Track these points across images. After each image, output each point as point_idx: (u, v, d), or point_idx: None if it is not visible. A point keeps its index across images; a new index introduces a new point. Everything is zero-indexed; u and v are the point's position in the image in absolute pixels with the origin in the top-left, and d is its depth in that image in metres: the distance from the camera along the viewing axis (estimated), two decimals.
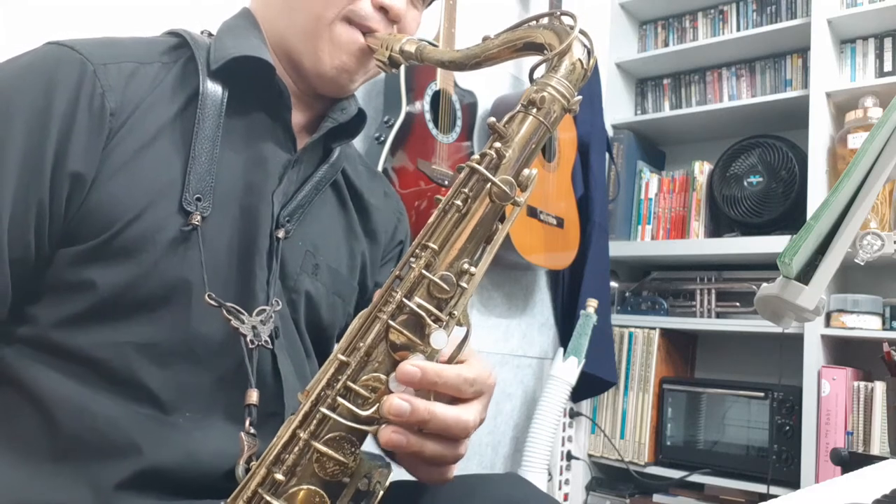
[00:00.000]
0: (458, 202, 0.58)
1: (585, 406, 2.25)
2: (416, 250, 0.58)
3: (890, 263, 1.83)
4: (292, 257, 0.74)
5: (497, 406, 2.02)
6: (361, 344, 0.56)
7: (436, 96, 1.66)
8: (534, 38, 0.63)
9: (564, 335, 2.17)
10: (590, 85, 2.19)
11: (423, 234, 0.58)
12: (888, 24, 2.06)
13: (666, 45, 2.56)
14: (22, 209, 0.61)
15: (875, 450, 1.77)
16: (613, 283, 2.35)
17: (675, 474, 2.08)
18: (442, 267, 0.57)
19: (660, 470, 2.13)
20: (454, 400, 0.58)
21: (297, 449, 0.54)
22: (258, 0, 0.79)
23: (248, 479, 0.55)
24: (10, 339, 0.64)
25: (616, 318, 2.29)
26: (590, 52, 0.62)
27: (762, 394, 2.00)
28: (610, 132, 2.41)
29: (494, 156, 0.58)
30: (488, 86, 1.92)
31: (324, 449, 0.53)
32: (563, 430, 2.12)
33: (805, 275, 0.64)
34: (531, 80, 0.62)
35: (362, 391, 0.55)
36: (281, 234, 0.72)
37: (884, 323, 1.88)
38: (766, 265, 2.09)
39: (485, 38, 0.66)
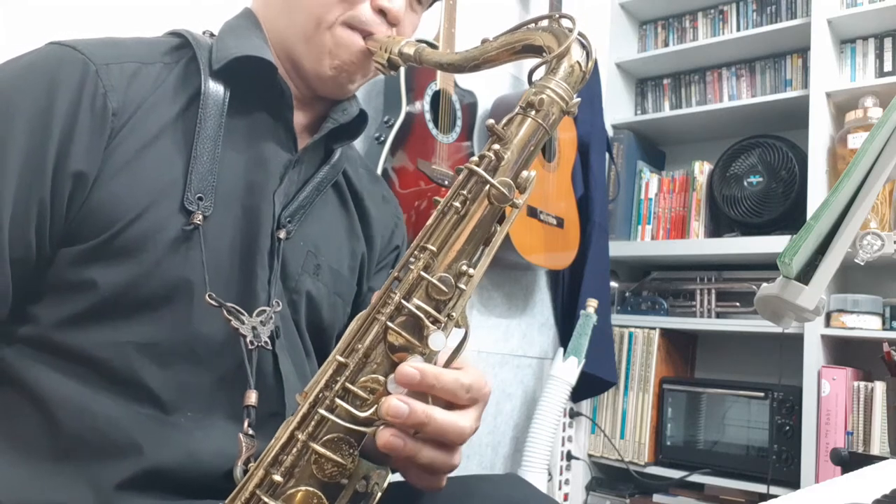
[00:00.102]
0: (457, 204, 0.58)
1: (585, 406, 2.25)
2: (415, 252, 0.58)
3: (890, 263, 1.83)
4: (294, 257, 0.74)
5: (497, 406, 2.02)
6: (360, 345, 0.56)
7: (436, 96, 1.67)
8: (532, 40, 0.63)
9: (564, 335, 2.17)
10: (590, 85, 2.19)
11: (422, 235, 0.58)
12: (888, 24, 2.06)
13: (666, 45, 2.56)
14: (23, 209, 0.62)
15: (875, 450, 1.77)
16: (613, 283, 2.35)
17: (675, 474, 2.08)
18: (440, 268, 0.57)
19: (660, 470, 2.13)
20: (450, 405, 0.58)
21: (295, 450, 0.54)
22: (260, 1, 0.80)
23: (246, 480, 0.55)
24: (11, 338, 0.64)
25: (616, 318, 2.29)
26: (588, 55, 0.62)
27: (762, 394, 2.00)
28: (610, 132, 2.41)
29: (493, 158, 0.58)
30: (488, 86, 1.92)
31: (322, 450, 0.54)
32: (563, 430, 2.12)
33: (805, 275, 0.64)
34: (530, 82, 0.62)
35: (360, 392, 0.55)
36: (282, 234, 0.72)
37: (884, 323, 1.88)
38: (766, 265, 2.09)
39: (483, 41, 0.66)
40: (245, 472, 0.57)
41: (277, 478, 0.53)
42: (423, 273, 0.56)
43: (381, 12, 0.74)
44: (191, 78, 0.71)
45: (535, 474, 1.82)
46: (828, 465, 1.76)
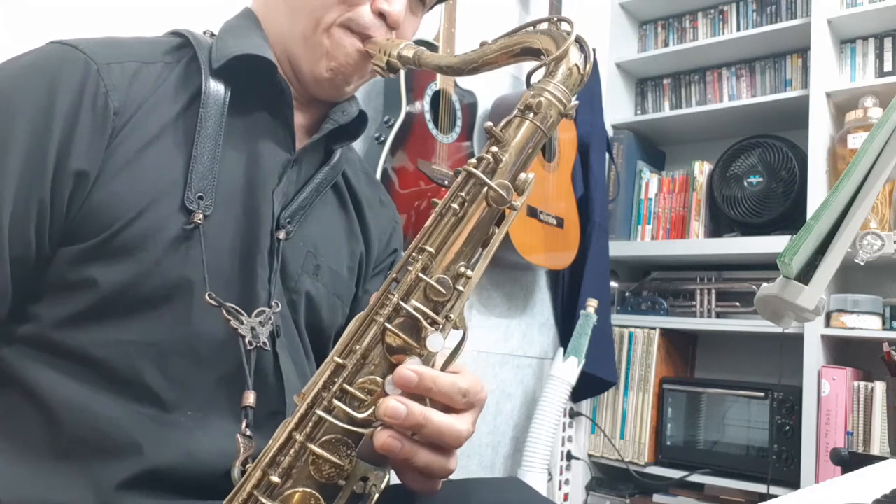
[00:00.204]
0: (455, 206, 0.58)
1: (585, 406, 2.25)
2: (413, 253, 0.58)
3: (890, 263, 1.83)
4: (293, 257, 0.74)
5: (497, 406, 2.02)
6: (358, 346, 0.56)
7: (436, 96, 1.67)
8: (531, 43, 0.63)
9: (564, 335, 2.17)
10: (590, 85, 2.19)
11: (420, 237, 0.58)
12: (888, 24, 2.06)
13: (666, 45, 2.56)
14: (23, 208, 0.62)
15: (875, 450, 1.77)
16: (613, 283, 2.35)
17: (675, 474, 2.09)
18: (439, 270, 0.57)
19: (660, 470, 2.13)
20: (446, 409, 0.58)
21: (292, 451, 0.54)
22: (260, 1, 0.80)
23: (244, 481, 0.55)
24: (11, 338, 0.64)
25: (616, 318, 2.29)
26: (587, 58, 0.63)
27: (762, 394, 2.00)
28: (610, 132, 2.42)
29: (491, 160, 0.59)
30: (488, 86, 1.92)
31: (319, 451, 0.54)
32: (563, 430, 2.12)
33: (805, 275, 0.64)
34: (528, 84, 0.62)
35: (358, 394, 0.55)
36: (281, 235, 0.72)
37: (884, 323, 1.88)
38: (766, 265, 2.09)
39: (482, 44, 0.66)
40: (243, 472, 0.57)
41: (275, 479, 0.53)
42: (421, 275, 0.56)
43: (381, 15, 0.74)
44: (191, 77, 0.71)
45: (535, 474, 1.82)
46: (828, 465, 1.76)
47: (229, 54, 0.71)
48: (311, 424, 0.54)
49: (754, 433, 2.00)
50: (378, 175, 1.51)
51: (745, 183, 2.18)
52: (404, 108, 1.59)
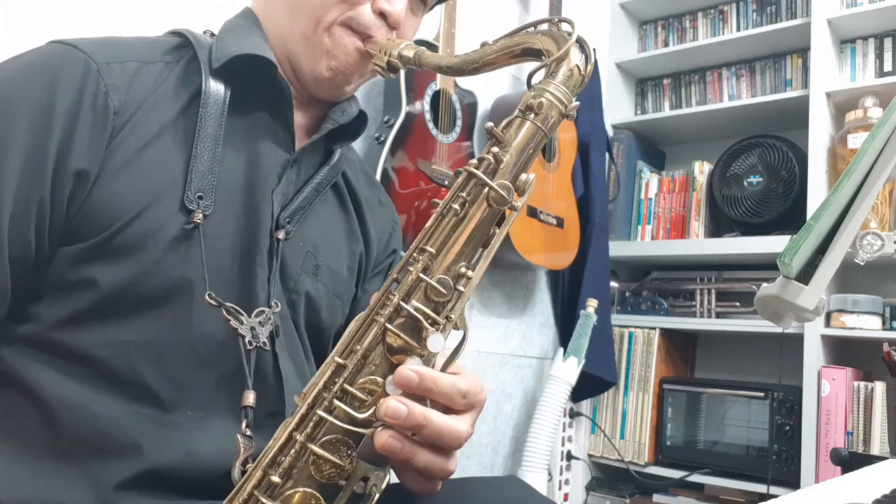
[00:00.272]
0: (456, 206, 0.58)
1: (585, 406, 2.25)
2: (414, 254, 0.58)
3: (890, 263, 1.83)
4: (293, 257, 0.74)
5: (497, 406, 2.02)
6: (358, 347, 0.56)
7: (436, 96, 1.67)
8: (532, 44, 0.63)
9: (564, 335, 2.17)
10: (590, 85, 2.19)
11: (421, 237, 0.58)
12: (888, 24, 2.06)
13: (666, 45, 2.56)
14: (23, 208, 0.62)
15: (875, 450, 1.77)
16: (613, 283, 2.35)
17: (675, 474, 2.09)
18: (439, 270, 0.57)
19: (660, 470, 2.13)
20: (446, 410, 0.58)
21: (293, 451, 0.54)
22: (260, 1, 0.80)
23: (245, 481, 0.55)
24: (11, 338, 0.64)
25: (616, 318, 2.29)
26: (587, 59, 0.63)
27: (762, 394, 2.00)
28: (610, 132, 2.42)
29: (492, 160, 0.59)
30: (488, 86, 1.92)
31: (320, 451, 0.53)
32: (563, 430, 2.12)
33: (805, 275, 0.64)
34: (529, 85, 0.62)
35: (359, 394, 0.55)
36: (281, 235, 0.72)
37: (884, 323, 1.88)
38: (766, 265, 2.09)
39: (483, 44, 0.66)
40: (243, 472, 0.57)
41: (275, 479, 0.53)
42: (421, 275, 0.56)
43: (382, 15, 0.74)
44: (191, 77, 0.71)
45: (535, 474, 1.82)
46: (828, 465, 1.76)
47: (229, 54, 0.71)
48: (311, 424, 0.54)
49: (754, 433, 2.00)
50: (378, 175, 1.51)
51: (745, 183, 2.18)
52: (404, 108, 1.59)
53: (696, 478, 2.05)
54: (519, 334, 2.10)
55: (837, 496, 0.69)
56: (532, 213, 1.87)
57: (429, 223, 0.59)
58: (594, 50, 0.64)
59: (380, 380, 0.55)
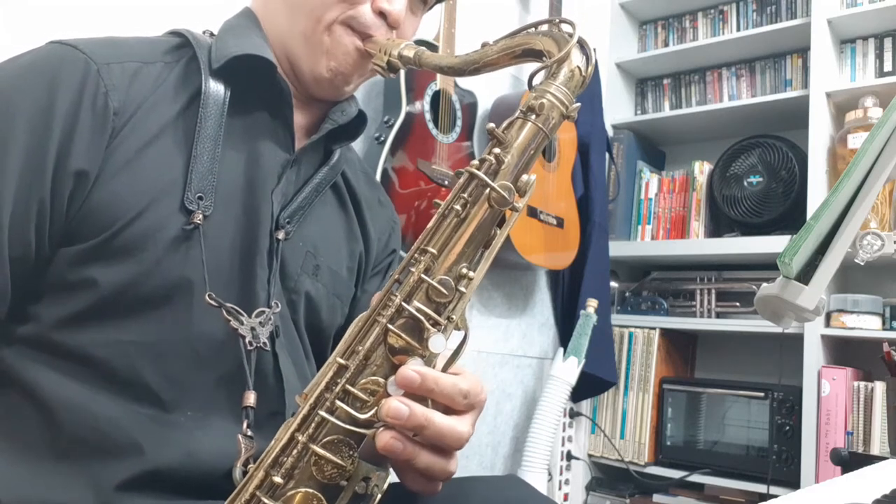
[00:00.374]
0: (458, 207, 0.58)
1: (585, 406, 2.25)
2: (416, 254, 0.58)
3: (890, 263, 1.83)
4: (293, 258, 0.74)
5: (497, 406, 2.02)
6: (360, 347, 0.56)
7: (436, 96, 1.67)
8: (533, 45, 0.63)
9: (564, 335, 2.17)
10: (590, 85, 2.18)
11: (423, 238, 0.58)
12: (888, 24, 2.06)
13: (666, 45, 2.56)
14: (23, 208, 0.62)
15: (875, 450, 1.77)
16: (613, 283, 2.35)
17: (675, 474, 2.09)
18: (441, 271, 0.57)
19: (660, 470, 2.13)
20: (447, 410, 0.58)
21: (295, 452, 0.54)
22: (259, 0, 0.80)
23: (246, 481, 0.55)
24: (11, 338, 0.64)
25: (616, 318, 2.29)
26: (588, 60, 0.63)
27: (762, 394, 2.00)
28: (610, 132, 2.42)
29: (493, 161, 0.59)
30: (488, 86, 1.92)
31: (322, 452, 0.53)
32: (563, 430, 2.12)
33: (805, 275, 0.64)
34: (530, 86, 0.62)
35: (361, 394, 0.55)
36: (280, 235, 0.72)
37: (884, 323, 1.88)
38: (766, 265, 2.09)
39: (483, 45, 0.66)
40: (244, 473, 0.57)
41: (277, 479, 0.53)
42: (423, 276, 0.56)
43: (382, 15, 0.74)
44: (191, 77, 0.71)
45: (535, 474, 1.82)
46: (828, 465, 1.76)
47: (229, 54, 0.71)
48: (313, 425, 0.54)
49: (754, 433, 2.00)
50: (378, 175, 1.51)
51: (745, 183, 2.18)
52: (404, 108, 1.59)
53: (696, 478, 2.05)
54: (519, 334, 2.10)
55: (837, 496, 0.69)
56: (532, 213, 1.87)
57: (430, 224, 0.59)
58: (594, 50, 0.64)
59: (381, 380, 0.55)
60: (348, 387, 0.55)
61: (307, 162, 0.78)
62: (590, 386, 2.05)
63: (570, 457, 2.13)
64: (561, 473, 2.09)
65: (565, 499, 2.10)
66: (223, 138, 0.70)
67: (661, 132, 2.54)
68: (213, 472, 0.63)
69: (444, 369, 0.58)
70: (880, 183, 0.65)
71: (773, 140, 2.16)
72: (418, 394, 0.55)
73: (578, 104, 0.62)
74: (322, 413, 0.54)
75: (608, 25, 2.49)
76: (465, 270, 0.58)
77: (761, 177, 2.15)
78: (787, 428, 1.91)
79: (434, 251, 0.57)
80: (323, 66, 0.75)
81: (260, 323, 0.68)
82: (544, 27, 0.64)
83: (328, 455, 0.54)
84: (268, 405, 0.68)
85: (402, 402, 0.54)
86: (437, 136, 1.65)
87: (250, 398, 0.65)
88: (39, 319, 0.63)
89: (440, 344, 0.56)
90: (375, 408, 0.54)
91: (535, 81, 0.62)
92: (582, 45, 0.62)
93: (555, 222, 1.95)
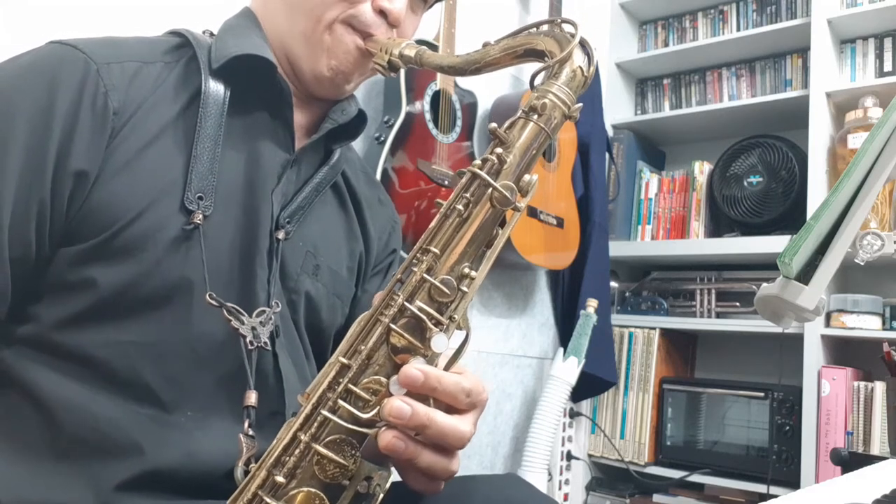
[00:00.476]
0: (460, 207, 0.58)
1: (585, 406, 2.25)
2: (418, 254, 0.58)
3: (890, 263, 1.83)
4: (293, 258, 0.74)
5: (497, 406, 2.02)
6: (362, 347, 0.56)
7: (436, 96, 1.67)
8: (535, 44, 0.63)
9: (564, 335, 2.17)
10: (590, 85, 2.19)
11: (425, 238, 0.58)
12: (888, 24, 2.06)
13: (666, 45, 2.56)
14: (23, 208, 0.62)
15: (875, 450, 1.77)
16: (613, 283, 2.35)
17: (675, 474, 2.09)
18: (443, 271, 0.57)
19: (660, 470, 2.13)
20: (449, 409, 0.58)
21: (297, 451, 0.54)
22: (259, 0, 0.80)
23: (248, 480, 0.55)
24: (11, 339, 0.64)
25: (616, 318, 2.29)
26: (590, 60, 0.62)
27: (762, 394, 2.00)
28: (610, 132, 2.42)
29: (496, 161, 0.59)
30: (488, 86, 1.92)
31: (324, 451, 0.53)
32: (563, 430, 2.12)
33: (805, 275, 0.64)
34: (532, 86, 0.62)
35: (363, 394, 0.55)
36: (281, 234, 0.72)
37: (884, 323, 1.88)
38: (766, 265, 2.09)
39: (485, 44, 0.66)
40: (246, 472, 0.57)
41: (280, 479, 0.53)
42: (425, 275, 0.56)
43: (382, 13, 0.74)
44: (191, 77, 0.71)
45: (535, 474, 1.82)
46: (828, 465, 1.76)
47: (229, 54, 0.71)
48: (315, 424, 0.54)
49: (754, 433, 2.00)
50: (378, 175, 1.51)
51: (745, 183, 2.18)
52: (404, 108, 1.59)
53: (696, 478, 2.05)
54: (519, 334, 2.10)
55: (837, 496, 0.69)
56: (532, 213, 1.87)
57: (432, 223, 0.59)
58: (594, 50, 0.64)
59: (384, 380, 0.55)
60: (350, 386, 0.55)
61: (307, 162, 0.78)
62: (590, 386, 2.05)
63: (570, 457, 2.13)
64: (561, 473, 2.09)
65: (565, 499, 2.10)
66: (223, 138, 0.70)
67: (661, 132, 2.54)
68: (213, 472, 0.63)
69: (446, 369, 0.58)
70: (880, 183, 0.65)
71: (773, 140, 2.16)
72: (421, 392, 0.55)
73: (580, 104, 0.62)
74: (324, 412, 0.54)
75: (608, 25, 2.49)
76: (467, 270, 0.58)
77: (761, 177, 2.15)
78: (787, 428, 1.91)
79: (436, 251, 0.57)
80: (324, 65, 0.75)
81: (261, 322, 0.68)
82: (546, 27, 0.64)
83: (330, 454, 0.54)
84: (268, 405, 0.68)
85: (404, 402, 0.54)
86: (437, 136, 1.65)
87: (252, 398, 0.65)
88: (39, 320, 0.63)
89: (442, 343, 0.56)
90: (377, 407, 0.54)
91: (537, 82, 0.62)
92: (584, 45, 0.62)
93: (555, 222, 1.95)
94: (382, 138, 1.56)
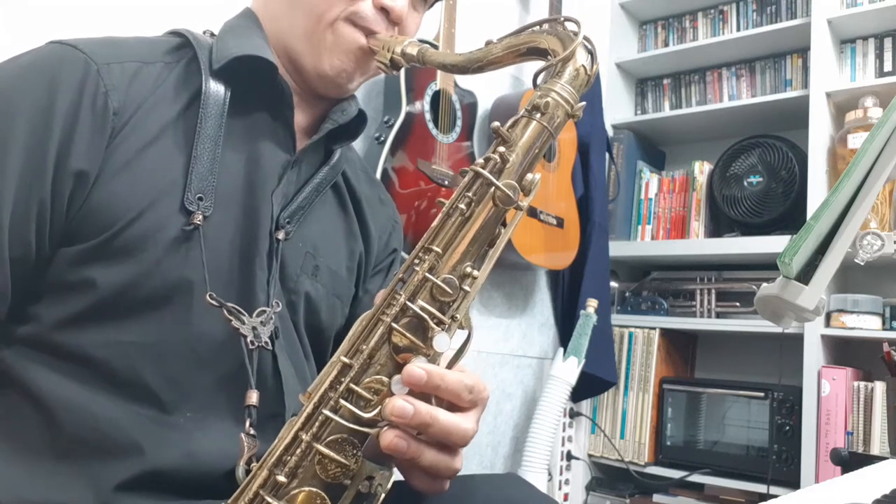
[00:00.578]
0: (462, 206, 0.58)
1: (585, 406, 2.25)
2: (420, 253, 0.58)
3: (890, 263, 1.83)
4: (292, 258, 0.74)
5: (497, 406, 2.02)
6: (364, 346, 0.56)
7: (436, 96, 1.66)
8: (538, 43, 0.63)
9: (564, 335, 2.17)
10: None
11: (427, 237, 0.58)
12: (888, 24, 2.06)
13: (666, 45, 2.56)
14: (23, 208, 0.61)
15: (875, 450, 1.77)
16: (613, 283, 2.35)
17: (675, 474, 2.09)
18: (445, 270, 0.57)
19: (660, 470, 2.13)
20: (451, 407, 0.58)
21: (298, 451, 0.54)
22: (260, 0, 0.80)
23: (250, 480, 0.55)
24: (11, 339, 0.64)
25: (616, 318, 2.29)
26: (593, 59, 0.62)
27: (762, 394, 2.00)
28: (610, 132, 2.42)
29: (498, 160, 0.58)
30: (488, 86, 1.92)
31: (326, 451, 0.53)
32: (563, 430, 2.12)
33: (805, 275, 0.64)
34: (535, 85, 0.62)
35: (364, 393, 0.55)
36: (280, 235, 0.72)
37: (884, 323, 1.88)
38: (766, 265, 2.09)
39: (488, 42, 0.66)
40: (247, 472, 0.57)
41: (281, 478, 0.53)
42: (427, 274, 0.56)
43: (384, 10, 0.74)
44: (191, 78, 0.71)
45: (535, 474, 1.82)
46: (828, 465, 1.76)
47: (229, 55, 0.71)
48: (317, 424, 0.54)
49: (754, 433, 2.00)
50: (378, 175, 1.51)
51: (745, 183, 2.18)
52: (404, 108, 1.59)
53: (696, 478, 2.05)
54: (519, 334, 2.10)
55: (837, 496, 0.69)
56: (532, 213, 1.86)
57: (435, 222, 0.58)
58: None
59: (385, 379, 0.55)
60: (352, 385, 0.55)
61: (308, 162, 0.78)
62: (590, 386, 2.05)
63: (570, 457, 2.13)
64: (561, 473, 2.09)
65: (565, 499, 2.10)
66: (223, 139, 0.69)
67: (661, 132, 2.54)
68: (212, 472, 0.63)
69: (448, 368, 0.58)
70: (880, 183, 0.65)
71: (773, 140, 2.16)
72: (424, 391, 0.55)
73: (584, 103, 0.61)
74: (326, 412, 0.54)
75: (608, 25, 2.49)
76: (469, 269, 0.57)
77: (761, 177, 2.15)
78: (787, 428, 1.91)
79: (438, 250, 0.57)
80: (326, 64, 0.75)
81: (261, 322, 0.67)
82: (548, 26, 0.63)
83: (332, 454, 0.53)
84: (267, 406, 0.68)
85: (406, 401, 0.53)
86: (437, 136, 1.65)
87: (253, 397, 0.65)
88: (39, 320, 0.63)
89: (444, 343, 0.56)
90: (379, 407, 0.54)
91: (540, 80, 0.62)
92: (587, 44, 0.62)
93: (555, 222, 1.95)
94: (382, 138, 1.56)
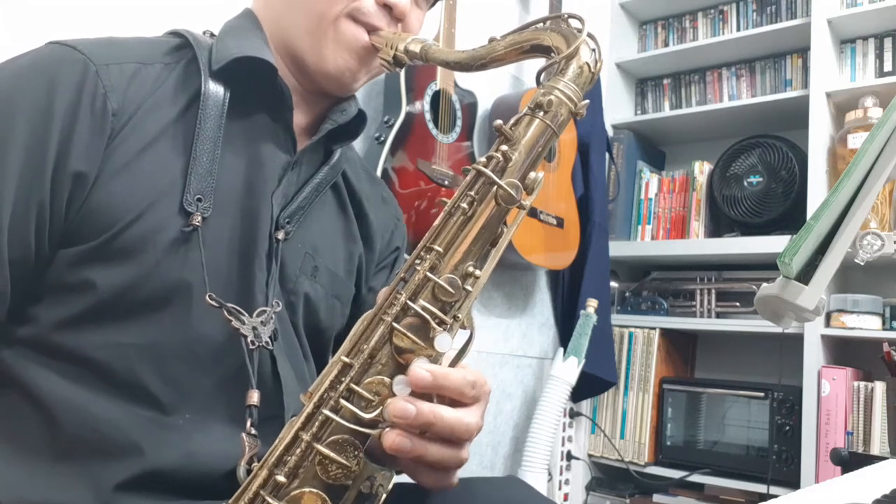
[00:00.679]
0: (464, 205, 0.57)
1: (585, 406, 2.25)
2: (422, 252, 0.58)
3: (890, 263, 1.83)
4: (291, 259, 0.74)
5: (497, 406, 2.02)
6: (365, 346, 0.56)
7: (436, 96, 1.66)
8: (541, 40, 0.62)
9: (564, 335, 2.17)
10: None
11: (429, 236, 0.58)
12: (888, 24, 2.06)
13: (666, 45, 2.56)
14: (22, 209, 0.61)
15: (875, 450, 1.77)
16: (613, 283, 2.35)
17: (675, 474, 2.09)
18: (447, 270, 0.57)
19: (660, 470, 2.13)
20: (455, 403, 0.58)
21: (299, 451, 0.54)
22: (260, 0, 0.79)
23: (250, 480, 0.55)
24: (11, 340, 0.64)
25: (616, 318, 2.29)
26: (597, 56, 0.62)
27: (762, 394, 2.00)
28: (610, 132, 2.42)
29: (501, 159, 0.58)
30: (488, 86, 1.92)
31: (326, 451, 0.53)
32: (563, 430, 2.12)
33: (805, 275, 0.64)
34: (538, 83, 0.62)
35: (366, 394, 0.54)
36: (280, 235, 0.71)
37: (884, 323, 1.88)
38: (766, 265, 2.09)
39: (491, 40, 0.65)
40: (248, 472, 0.57)
41: (281, 478, 0.53)
42: (429, 274, 0.56)
43: (386, 7, 0.74)
44: (191, 79, 0.71)
45: (535, 474, 1.82)
46: (828, 465, 1.76)
47: (229, 56, 0.71)
48: (317, 424, 0.54)
49: (754, 433, 2.00)
50: (378, 175, 1.51)
51: (745, 183, 2.18)
52: (404, 108, 1.58)
53: (696, 478, 2.05)
54: (519, 334, 2.10)
55: (837, 496, 0.69)
56: (532, 213, 1.86)
57: (436, 222, 0.58)
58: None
59: (387, 380, 0.55)
60: (353, 386, 0.55)
61: (307, 162, 0.77)
62: (590, 386, 2.05)
63: (570, 457, 2.13)
64: (561, 473, 2.09)
65: (565, 499, 2.10)
66: (223, 140, 0.69)
67: (661, 132, 2.54)
68: (212, 473, 0.63)
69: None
70: (880, 183, 0.65)
71: (773, 140, 2.16)
72: (429, 392, 0.55)
73: (587, 101, 0.61)
74: (326, 412, 0.54)
75: (608, 25, 2.49)
76: (471, 269, 0.57)
77: (761, 177, 2.15)
78: (787, 428, 1.91)
79: (440, 249, 0.57)
80: (330, 62, 0.74)
81: (262, 322, 0.67)
82: (551, 23, 0.63)
83: (333, 455, 0.53)
84: (266, 407, 0.68)
85: (408, 402, 0.53)
86: (437, 136, 1.65)
87: (254, 397, 0.64)
88: (39, 321, 0.63)
89: (446, 343, 0.55)
90: (380, 407, 0.54)
91: (543, 78, 0.62)
92: (590, 41, 0.62)
93: (555, 222, 1.95)
94: (382, 138, 1.56)
